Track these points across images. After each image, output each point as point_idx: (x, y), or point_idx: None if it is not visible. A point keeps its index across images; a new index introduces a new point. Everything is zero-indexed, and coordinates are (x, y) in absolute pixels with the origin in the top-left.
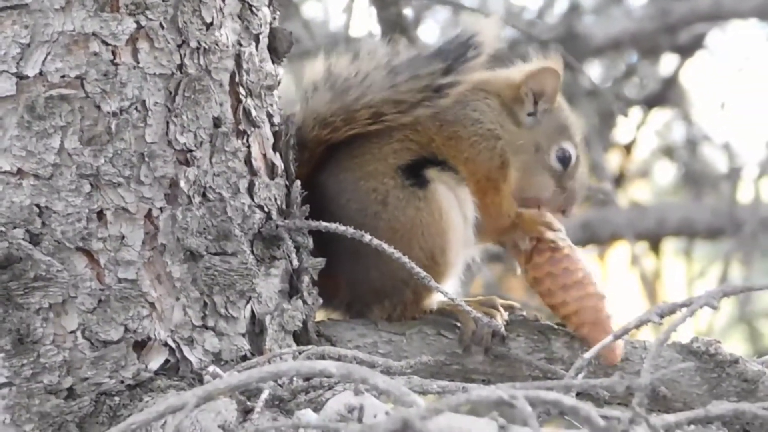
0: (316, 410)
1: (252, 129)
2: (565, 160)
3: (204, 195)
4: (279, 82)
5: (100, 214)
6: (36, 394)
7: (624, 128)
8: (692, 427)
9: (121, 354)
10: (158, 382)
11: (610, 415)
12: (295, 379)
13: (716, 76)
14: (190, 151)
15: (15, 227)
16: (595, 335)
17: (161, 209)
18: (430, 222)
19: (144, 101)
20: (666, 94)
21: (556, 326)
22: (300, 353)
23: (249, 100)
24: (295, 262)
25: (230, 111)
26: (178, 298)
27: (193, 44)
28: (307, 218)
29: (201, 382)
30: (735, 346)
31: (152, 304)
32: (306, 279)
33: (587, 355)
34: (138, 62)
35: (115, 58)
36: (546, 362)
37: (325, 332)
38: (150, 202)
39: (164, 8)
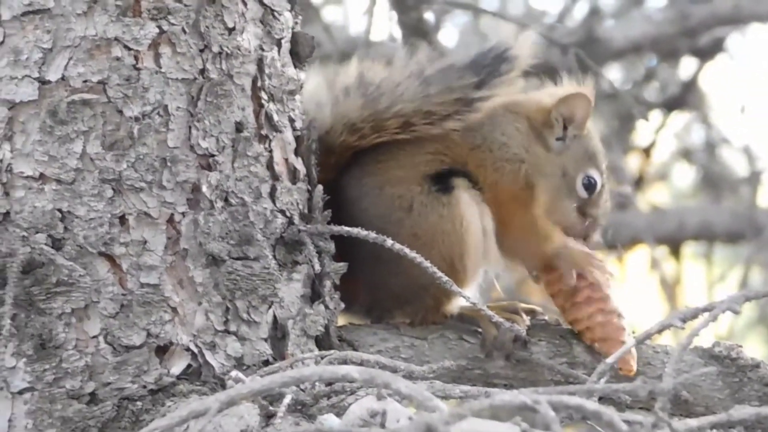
0: (338, 415)
1: (274, 134)
2: (590, 187)
3: (226, 200)
4: (301, 87)
5: (123, 219)
6: (58, 399)
7: (643, 131)
8: (714, 431)
9: (143, 359)
10: (180, 387)
11: (632, 420)
12: (317, 383)
13: (736, 79)
14: (212, 155)
15: (37, 232)
16: (609, 350)
17: (183, 214)
18: (451, 230)
19: (166, 106)
20: (685, 98)
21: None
22: (322, 358)
23: (271, 105)
24: (317, 267)
25: (252, 116)
26: (200, 303)
27: (216, 49)
28: (329, 223)
29: (223, 387)
30: (754, 349)
31: (174, 309)
32: (328, 284)
33: (610, 359)
34: (160, 67)
35: (137, 63)
36: (568, 367)
37: (347, 337)
38: (172, 207)
39: (186, 13)
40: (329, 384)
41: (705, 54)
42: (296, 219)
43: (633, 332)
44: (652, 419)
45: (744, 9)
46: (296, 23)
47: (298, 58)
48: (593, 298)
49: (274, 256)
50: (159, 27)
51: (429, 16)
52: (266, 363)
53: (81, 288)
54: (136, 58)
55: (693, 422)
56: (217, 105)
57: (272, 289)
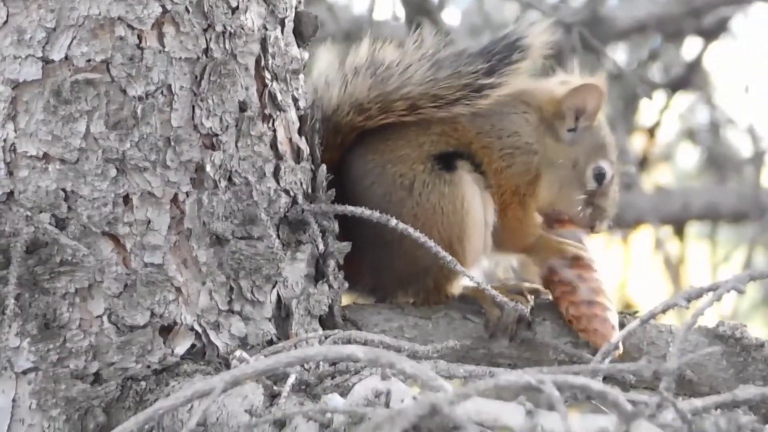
0: (342, 395)
1: (278, 113)
2: (600, 178)
3: (230, 179)
4: (305, 66)
5: (126, 199)
6: (62, 379)
7: (648, 112)
8: (719, 411)
9: (147, 339)
10: (184, 367)
11: (637, 400)
12: (321, 363)
13: (740, 59)
14: (216, 135)
15: (41, 212)
16: (596, 342)
17: (187, 194)
18: (452, 210)
19: (170, 85)
20: (690, 78)
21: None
22: (326, 338)
23: (275, 84)
24: (321, 247)
25: (256, 95)
26: (204, 283)
27: (219, 28)
28: (332, 202)
29: (227, 366)
30: (758, 329)
31: (178, 289)
32: (332, 263)
33: (614, 339)
34: (164, 46)
35: (140, 43)
36: (572, 346)
37: (351, 317)
38: (176, 187)
39: None
40: (333, 364)
41: (709, 34)
42: (300, 198)
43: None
44: (657, 399)
45: None
46: (299, 2)
47: (301, 37)
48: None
49: (278, 236)
50: (162, 6)
51: None
52: (270, 343)
53: (85, 268)
54: (139, 37)
55: (698, 402)
56: (221, 84)
57: (276, 269)
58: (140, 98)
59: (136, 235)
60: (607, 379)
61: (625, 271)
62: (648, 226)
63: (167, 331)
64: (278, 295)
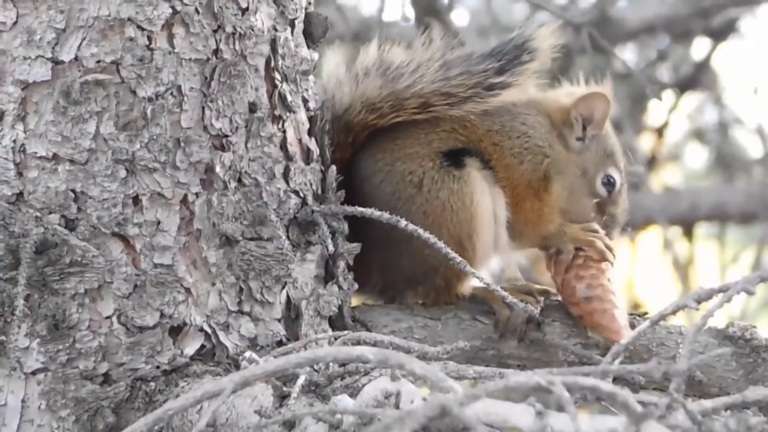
0: (352, 396)
1: (287, 114)
2: (610, 186)
3: (240, 180)
4: (314, 67)
5: (136, 200)
6: (72, 379)
7: (656, 112)
8: (729, 412)
9: (156, 339)
10: (194, 368)
11: (647, 401)
12: (331, 364)
13: (748, 60)
14: (226, 136)
15: (51, 212)
16: (607, 336)
17: (197, 194)
18: (461, 207)
19: (179, 86)
20: (698, 78)
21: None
22: (336, 339)
23: (284, 85)
24: (331, 248)
25: (266, 96)
26: (213, 284)
27: (229, 29)
28: (342, 203)
29: (237, 367)
30: (767, 330)
31: (188, 290)
32: (341, 264)
33: (624, 340)
34: (173, 47)
35: (150, 44)
36: (581, 347)
37: (360, 317)
38: (186, 188)
39: None
40: (343, 365)
41: (718, 35)
42: (310, 199)
43: (645, 314)
44: (667, 400)
45: None
46: (309, 3)
47: (311, 38)
48: (592, 284)
49: (288, 237)
50: (172, 7)
51: None
52: (280, 343)
53: (94, 268)
54: (149, 38)
55: (708, 403)
56: (231, 85)
57: (286, 270)
58: (150, 99)
59: (145, 235)
60: (616, 380)
61: (633, 271)
62: (656, 226)
63: (177, 331)
64: (288, 296)
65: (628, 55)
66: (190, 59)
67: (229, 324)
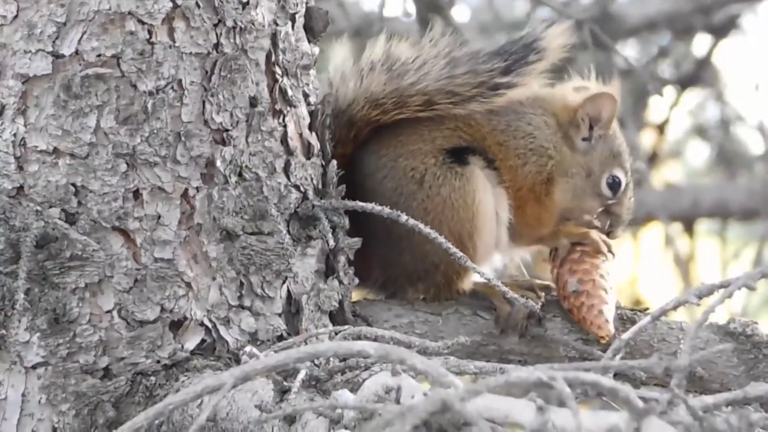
0: (353, 391)
1: (288, 108)
2: (615, 186)
3: (240, 174)
4: (315, 62)
5: (137, 194)
6: (72, 373)
7: (657, 108)
8: (730, 408)
9: (157, 334)
10: (194, 362)
11: (648, 397)
12: (331, 359)
13: (750, 56)
14: (227, 130)
15: (51, 206)
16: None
17: (197, 189)
18: (462, 205)
19: (180, 80)
20: (700, 75)
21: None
22: (336, 333)
23: (285, 80)
24: (332, 242)
25: (266, 90)
26: (214, 278)
27: (230, 23)
28: (343, 198)
29: (237, 361)
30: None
31: (188, 284)
32: (342, 259)
33: (625, 335)
34: (174, 41)
35: (151, 37)
36: (582, 343)
37: (361, 312)
38: (186, 182)
39: None
40: (344, 359)
41: (719, 31)
42: (310, 194)
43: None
44: (668, 396)
45: None
46: None
47: (312, 32)
48: (583, 279)
49: (289, 231)
50: (173, 1)
51: None
52: (280, 338)
53: (95, 262)
54: (150, 32)
55: (709, 399)
56: (231, 79)
57: (286, 264)
58: (150, 93)
59: (146, 230)
60: (618, 375)
61: (635, 267)
62: (658, 223)
63: (177, 326)
64: (288, 290)
65: (629, 51)
66: (190, 53)
67: (229, 318)
